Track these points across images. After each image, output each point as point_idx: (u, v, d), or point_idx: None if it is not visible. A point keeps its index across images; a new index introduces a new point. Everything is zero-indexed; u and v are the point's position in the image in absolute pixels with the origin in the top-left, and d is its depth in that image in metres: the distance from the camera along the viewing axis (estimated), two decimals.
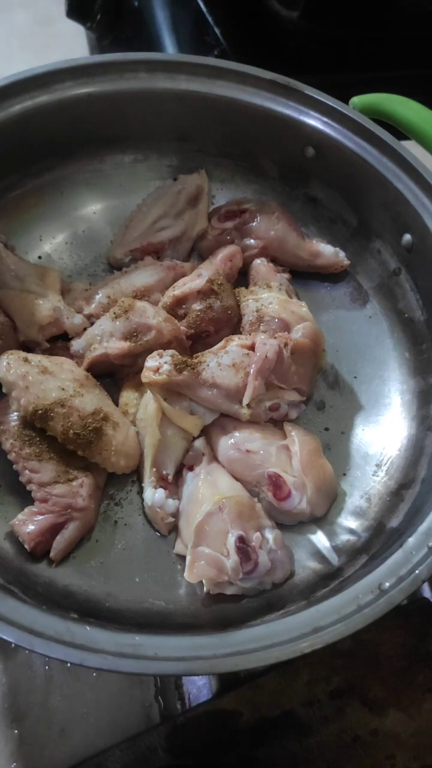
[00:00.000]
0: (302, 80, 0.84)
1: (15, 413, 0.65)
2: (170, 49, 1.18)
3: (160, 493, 0.64)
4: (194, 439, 0.69)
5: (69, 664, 0.49)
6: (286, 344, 0.69)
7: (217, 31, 1.12)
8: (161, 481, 0.66)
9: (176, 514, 0.65)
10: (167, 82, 0.83)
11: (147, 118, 0.85)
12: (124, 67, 0.82)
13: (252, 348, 0.69)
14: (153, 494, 0.64)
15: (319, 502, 0.66)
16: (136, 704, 0.66)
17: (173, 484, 0.67)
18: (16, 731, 0.61)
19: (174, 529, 0.66)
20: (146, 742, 0.60)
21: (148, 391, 0.69)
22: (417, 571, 0.55)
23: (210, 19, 1.13)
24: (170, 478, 0.67)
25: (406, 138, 0.83)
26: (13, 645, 0.49)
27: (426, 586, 0.71)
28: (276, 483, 0.65)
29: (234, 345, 0.70)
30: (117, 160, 0.88)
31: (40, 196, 0.85)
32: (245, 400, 0.67)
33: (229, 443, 0.68)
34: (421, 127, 0.80)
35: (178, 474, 0.68)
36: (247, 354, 0.69)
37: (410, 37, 1.19)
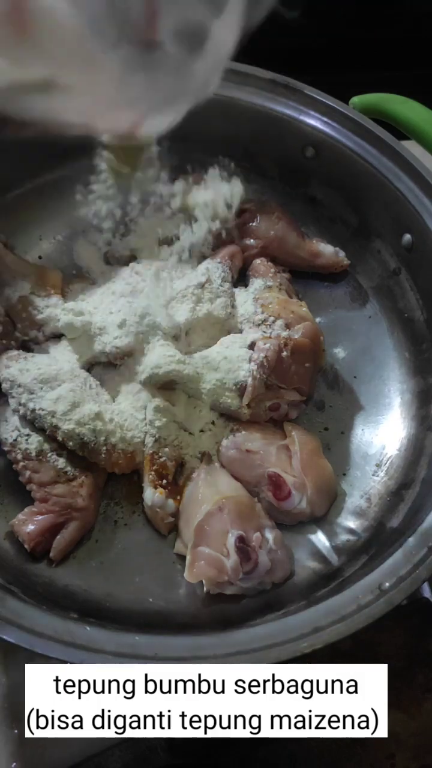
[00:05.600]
0: (302, 80, 0.84)
1: (15, 413, 0.65)
2: None
3: (160, 493, 0.64)
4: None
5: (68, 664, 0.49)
6: (286, 344, 0.69)
7: None
8: (161, 481, 0.66)
9: (176, 514, 0.65)
10: None
11: None
12: None
13: (252, 348, 0.69)
14: (153, 494, 0.64)
15: (319, 502, 0.66)
16: None
17: (173, 484, 0.67)
18: (16, 731, 0.61)
19: (174, 529, 0.66)
20: (146, 741, 0.60)
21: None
22: (417, 571, 0.55)
23: None
24: (170, 477, 0.67)
25: (406, 138, 0.83)
26: (13, 645, 0.48)
27: (426, 586, 0.71)
28: (276, 483, 0.65)
29: (234, 345, 0.70)
30: None
31: (40, 196, 0.85)
32: (245, 400, 0.67)
33: (229, 443, 0.68)
34: (421, 127, 0.81)
35: (178, 474, 0.68)
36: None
37: (410, 37, 1.19)
